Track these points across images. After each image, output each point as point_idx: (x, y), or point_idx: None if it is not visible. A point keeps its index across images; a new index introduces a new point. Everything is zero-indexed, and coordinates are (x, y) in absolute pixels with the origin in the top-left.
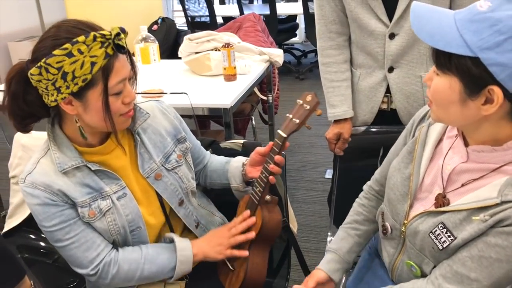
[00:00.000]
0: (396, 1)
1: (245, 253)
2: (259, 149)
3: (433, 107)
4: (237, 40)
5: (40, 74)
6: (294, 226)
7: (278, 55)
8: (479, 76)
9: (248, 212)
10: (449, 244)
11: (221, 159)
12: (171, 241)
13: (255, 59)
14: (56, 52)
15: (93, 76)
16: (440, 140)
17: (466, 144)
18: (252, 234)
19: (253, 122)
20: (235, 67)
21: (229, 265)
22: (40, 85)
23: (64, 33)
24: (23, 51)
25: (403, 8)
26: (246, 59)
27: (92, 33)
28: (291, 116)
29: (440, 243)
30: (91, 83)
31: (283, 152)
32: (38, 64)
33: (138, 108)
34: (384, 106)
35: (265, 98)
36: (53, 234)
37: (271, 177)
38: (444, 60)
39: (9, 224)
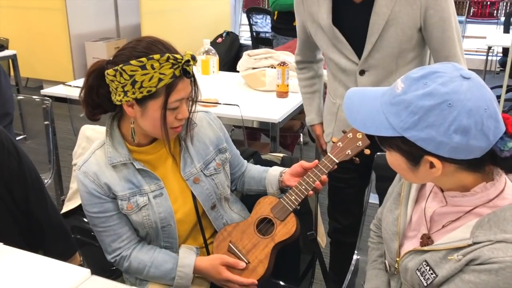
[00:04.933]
0: (363, 41)
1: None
2: (304, 163)
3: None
4: (293, 59)
5: (114, 76)
6: (322, 240)
7: None
8: (412, 150)
9: (244, 264)
10: (432, 281)
11: (259, 167)
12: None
13: None
14: (132, 62)
15: (157, 90)
16: (423, 183)
17: (442, 190)
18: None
19: (301, 140)
20: (287, 85)
21: (244, 259)
22: (112, 85)
23: (143, 47)
24: (98, 50)
25: (370, 48)
26: None
27: (167, 54)
28: (341, 145)
29: (425, 280)
30: (154, 95)
31: None
32: (115, 68)
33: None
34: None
35: None
36: (92, 219)
37: (311, 192)
38: (382, 141)
39: (67, 207)
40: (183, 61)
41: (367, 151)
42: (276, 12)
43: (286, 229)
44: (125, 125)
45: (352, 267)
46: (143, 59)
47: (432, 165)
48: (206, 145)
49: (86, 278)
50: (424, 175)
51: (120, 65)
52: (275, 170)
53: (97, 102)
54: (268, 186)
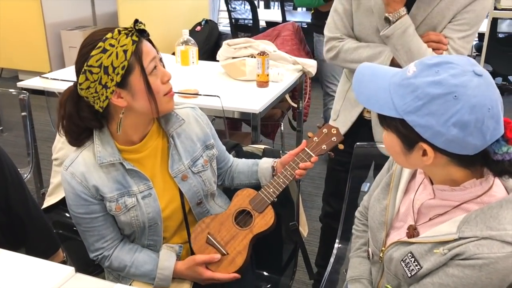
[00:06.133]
0: None
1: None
2: (292, 151)
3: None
4: (273, 48)
5: (86, 79)
6: (304, 230)
7: (311, 66)
8: (408, 134)
9: (219, 256)
10: (416, 272)
11: (247, 161)
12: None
13: (289, 68)
14: (93, 53)
15: (129, 62)
16: (414, 175)
17: (432, 182)
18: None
19: (282, 128)
20: (268, 75)
21: (223, 250)
22: (90, 92)
23: (93, 37)
24: (74, 39)
25: None
26: (280, 67)
27: (116, 29)
28: (317, 139)
29: (409, 271)
30: (130, 68)
31: None
32: (83, 70)
33: (175, 114)
34: (368, 116)
35: (295, 105)
36: (76, 218)
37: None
38: (382, 120)
39: (48, 202)
40: (133, 26)
41: (341, 146)
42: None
43: (264, 221)
44: (113, 124)
45: (333, 256)
46: (100, 44)
47: (424, 153)
48: (194, 141)
49: (71, 276)
50: (415, 161)
51: (85, 64)
52: (266, 162)
53: (82, 126)
54: (262, 179)
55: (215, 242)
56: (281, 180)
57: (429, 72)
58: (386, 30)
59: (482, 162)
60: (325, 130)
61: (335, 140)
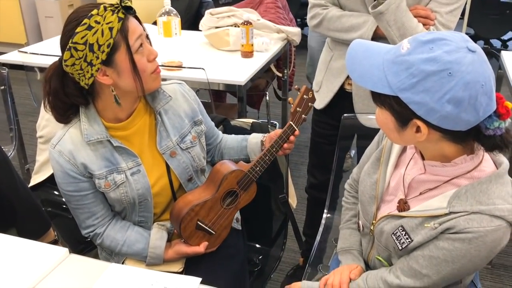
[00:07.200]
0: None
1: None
2: (278, 130)
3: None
4: (256, 17)
5: (71, 56)
6: (293, 201)
7: (295, 34)
8: (402, 111)
9: (206, 243)
10: (407, 245)
11: (237, 137)
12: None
13: (273, 37)
14: (78, 29)
15: (115, 40)
16: (404, 149)
17: (423, 158)
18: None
19: (267, 98)
20: (252, 45)
21: (211, 231)
22: (75, 69)
23: (78, 14)
24: (50, 9)
25: None
26: (264, 36)
27: (102, 5)
28: (300, 109)
29: (400, 244)
30: (115, 46)
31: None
32: (67, 47)
33: (162, 91)
34: (349, 88)
35: (280, 74)
36: (66, 196)
37: (280, 152)
38: (376, 97)
39: (35, 180)
40: (119, 2)
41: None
42: None
43: (248, 196)
44: (100, 101)
45: (322, 226)
46: (85, 20)
47: (418, 130)
48: (182, 118)
49: (65, 257)
50: (409, 138)
51: (70, 41)
52: (255, 138)
53: (68, 102)
54: (251, 154)
55: (205, 226)
56: (267, 157)
57: (423, 49)
58: (380, 6)
59: (474, 138)
60: (305, 96)
61: (311, 104)
